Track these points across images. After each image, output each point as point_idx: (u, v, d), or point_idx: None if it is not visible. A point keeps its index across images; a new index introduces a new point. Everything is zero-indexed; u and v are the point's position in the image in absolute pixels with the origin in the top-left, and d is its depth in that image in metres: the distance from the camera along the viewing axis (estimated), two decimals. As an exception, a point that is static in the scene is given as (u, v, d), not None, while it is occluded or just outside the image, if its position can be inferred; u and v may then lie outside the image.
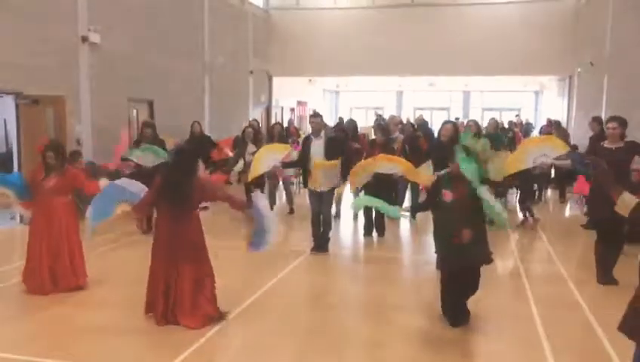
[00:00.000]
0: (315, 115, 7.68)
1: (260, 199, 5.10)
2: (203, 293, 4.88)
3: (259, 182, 9.01)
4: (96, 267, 6.48)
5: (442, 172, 5.40)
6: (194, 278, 4.81)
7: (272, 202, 10.22)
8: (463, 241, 4.72)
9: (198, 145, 10.08)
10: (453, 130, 7.47)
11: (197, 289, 4.83)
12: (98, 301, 5.63)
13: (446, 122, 8.08)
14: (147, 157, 7.98)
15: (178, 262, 4.77)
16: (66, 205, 5.85)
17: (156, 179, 4.96)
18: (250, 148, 9.36)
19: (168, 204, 4.80)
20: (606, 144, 6.17)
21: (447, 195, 4.84)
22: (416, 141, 10.10)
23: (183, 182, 4.75)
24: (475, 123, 9.44)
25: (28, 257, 5.77)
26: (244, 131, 10.32)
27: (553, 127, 13.86)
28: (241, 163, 9.26)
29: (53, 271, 5.69)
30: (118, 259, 7.32)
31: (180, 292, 4.78)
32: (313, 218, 7.58)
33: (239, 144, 10.19)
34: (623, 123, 6.06)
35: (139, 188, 5.46)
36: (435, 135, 10.30)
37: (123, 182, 5.72)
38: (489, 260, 4.98)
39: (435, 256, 5.25)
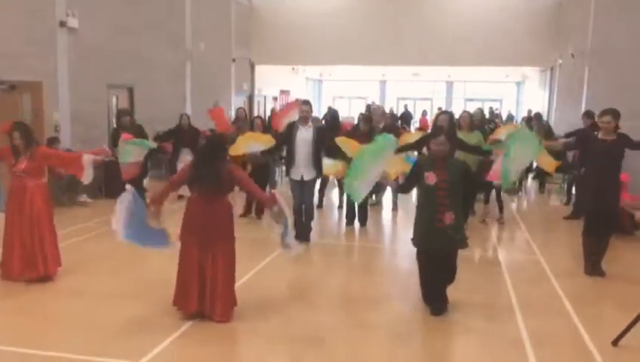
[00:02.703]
0: (306, 103, 7.56)
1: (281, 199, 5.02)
2: (232, 278, 4.88)
3: (263, 173, 8.82)
4: (72, 256, 6.39)
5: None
6: (226, 262, 4.79)
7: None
8: (446, 224, 4.75)
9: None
10: (450, 120, 7.52)
11: (229, 274, 4.82)
12: (72, 290, 5.53)
13: (442, 112, 8.19)
14: (134, 152, 7.99)
15: (212, 245, 4.73)
16: (40, 188, 5.68)
17: (187, 164, 4.97)
18: None
19: (200, 188, 4.78)
20: (600, 135, 6.17)
21: (430, 178, 4.84)
22: (395, 131, 10.12)
23: (215, 165, 4.75)
24: (469, 115, 9.18)
25: (3, 243, 5.67)
26: (252, 121, 9.89)
27: (534, 120, 13.98)
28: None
29: (22, 258, 5.55)
30: (95, 248, 7.20)
31: (215, 275, 4.73)
32: (295, 207, 7.54)
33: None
34: (616, 116, 6.07)
35: None
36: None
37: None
38: (466, 244, 5.06)
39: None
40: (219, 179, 4.76)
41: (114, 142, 8.18)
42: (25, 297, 5.29)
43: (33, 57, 9.85)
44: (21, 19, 9.58)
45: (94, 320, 4.80)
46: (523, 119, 21.57)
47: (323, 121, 12.52)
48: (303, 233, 7.50)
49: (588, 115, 9.52)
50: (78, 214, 8.90)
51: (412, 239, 5.15)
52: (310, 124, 7.35)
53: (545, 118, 15.17)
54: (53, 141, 9.64)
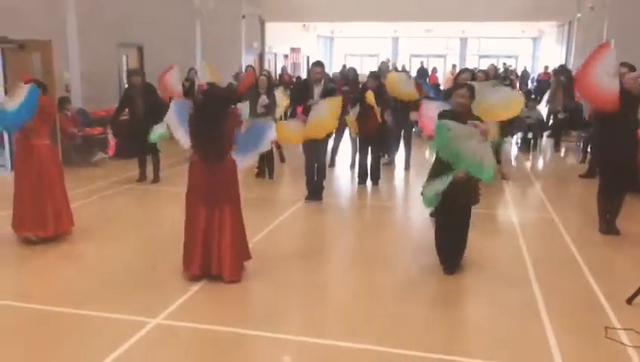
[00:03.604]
0: (318, 65, 7.51)
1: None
2: (241, 240, 4.88)
3: None
4: (85, 216, 6.45)
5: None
6: (234, 220, 4.76)
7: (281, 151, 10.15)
8: (457, 179, 4.71)
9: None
10: (471, 79, 7.40)
11: (237, 232, 4.80)
12: (86, 249, 5.57)
13: (464, 70, 8.08)
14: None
15: (219, 206, 4.69)
16: (46, 148, 5.65)
17: (189, 124, 4.87)
18: (262, 100, 8.38)
19: (203, 147, 4.70)
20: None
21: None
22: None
23: (215, 122, 4.61)
24: (485, 74, 8.96)
25: (14, 201, 5.68)
26: (256, 80, 9.63)
27: (553, 75, 13.64)
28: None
29: (32, 216, 5.55)
30: (109, 208, 7.26)
31: (222, 237, 4.69)
32: (307, 166, 7.52)
33: (252, 95, 9.38)
34: (631, 68, 5.94)
35: None
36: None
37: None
38: (476, 201, 5.05)
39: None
40: (219, 139, 4.64)
41: (127, 101, 8.36)
42: (41, 258, 5.35)
43: (41, 15, 9.73)
44: (27, -24, 9.42)
45: (109, 278, 4.85)
46: (540, 76, 21.16)
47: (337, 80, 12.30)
48: (315, 192, 7.51)
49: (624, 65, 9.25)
50: (90, 174, 8.95)
51: (423, 186, 5.13)
52: (321, 84, 7.28)
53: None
54: (64, 101, 9.62)
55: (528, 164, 10.83)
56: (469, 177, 4.66)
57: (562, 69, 14.73)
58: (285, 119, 10.88)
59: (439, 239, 5.15)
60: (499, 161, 9.12)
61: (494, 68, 12.07)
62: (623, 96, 5.70)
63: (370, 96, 7.92)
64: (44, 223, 5.58)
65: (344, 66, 19.23)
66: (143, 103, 8.19)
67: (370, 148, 8.43)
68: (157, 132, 7.86)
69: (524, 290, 4.74)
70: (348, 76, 10.89)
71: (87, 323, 4.06)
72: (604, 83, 5.70)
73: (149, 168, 8.51)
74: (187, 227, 4.82)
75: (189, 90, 10.08)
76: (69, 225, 5.84)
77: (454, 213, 4.96)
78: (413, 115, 9.18)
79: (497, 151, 9.15)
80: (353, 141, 9.44)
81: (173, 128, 5.85)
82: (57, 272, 5.06)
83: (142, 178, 8.53)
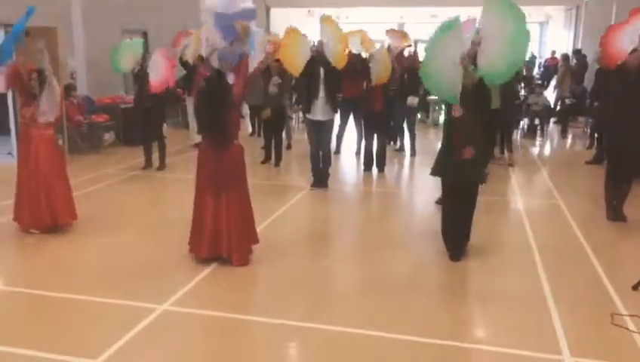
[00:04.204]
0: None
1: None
2: (249, 224, 4.92)
3: (280, 117, 8.93)
4: (91, 204, 6.47)
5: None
6: (241, 206, 4.80)
7: (288, 137, 10.18)
8: (464, 158, 4.74)
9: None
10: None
11: (245, 217, 4.85)
12: (91, 238, 5.57)
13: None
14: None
15: (226, 192, 4.72)
16: (44, 138, 5.58)
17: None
18: (275, 79, 8.71)
19: (208, 134, 4.72)
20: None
21: (456, 110, 4.79)
22: (416, 71, 9.92)
23: (220, 111, 4.60)
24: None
25: (16, 192, 5.66)
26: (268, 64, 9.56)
27: (561, 61, 13.49)
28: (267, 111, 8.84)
29: (30, 209, 5.51)
30: (114, 195, 7.27)
31: (229, 222, 4.73)
32: (312, 153, 7.51)
33: (264, 75, 9.03)
34: None
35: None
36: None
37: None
38: (484, 180, 5.04)
39: (433, 191, 5.20)
40: (223, 128, 4.64)
41: (139, 84, 8.36)
42: (47, 246, 5.37)
43: (45, 1, 9.66)
44: (31, -37, 9.35)
45: (116, 265, 4.88)
46: (547, 61, 20.97)
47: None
48: (320, 179, 7.50)
49: None
50: (96, 162, 8.97)
51: (432, 168, 5.12)
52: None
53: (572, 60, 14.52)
54: (70, 89, 9.61)
55: (535, 150, 10.78)
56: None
57: (577, 53, 14.55)
58: (292, 101, 10.83)
59: (445, 225, 5.14)
60: (510, 149, 9.12)
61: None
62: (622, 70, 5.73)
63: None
64: (39, 215, 5.51)
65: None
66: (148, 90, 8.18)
67: (375, 135, 8.41)
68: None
69: (531, 276, 4.73)
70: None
71: (93, 310, 4.08)
72: (622, 42, 5.78)
73: (155, 155, 8.52)
74: (195, 212, 4.87)
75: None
76: (69, 218, 5.72)
77: (461, 195, 4.95)
78: (410, 100, 9.19)
79: (509, 138, 9.14)
80: (358, 128, 9.41)
81: (213, 39, 5.11)
82: (63, 259, 5.08)
83: (147, 165, 8.54)
